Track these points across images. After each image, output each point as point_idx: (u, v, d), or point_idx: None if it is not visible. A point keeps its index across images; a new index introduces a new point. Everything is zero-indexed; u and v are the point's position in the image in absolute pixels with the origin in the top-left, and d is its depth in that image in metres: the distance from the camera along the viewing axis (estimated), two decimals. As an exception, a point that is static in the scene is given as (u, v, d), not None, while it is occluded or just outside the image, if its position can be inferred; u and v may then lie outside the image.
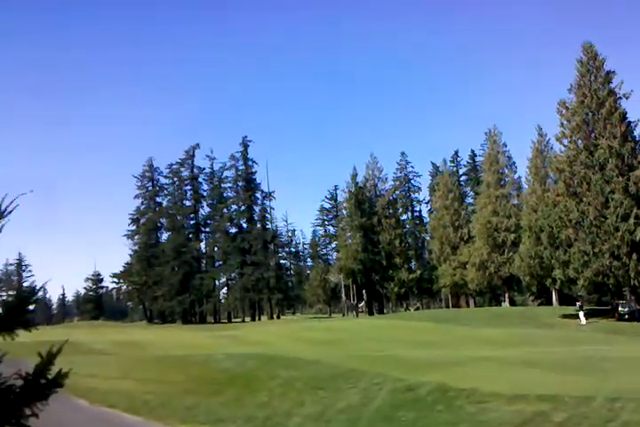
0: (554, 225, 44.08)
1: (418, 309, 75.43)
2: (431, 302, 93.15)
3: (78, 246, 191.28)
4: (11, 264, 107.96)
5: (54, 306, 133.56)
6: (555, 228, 43.95)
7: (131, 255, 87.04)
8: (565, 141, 45.19)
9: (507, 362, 16.32)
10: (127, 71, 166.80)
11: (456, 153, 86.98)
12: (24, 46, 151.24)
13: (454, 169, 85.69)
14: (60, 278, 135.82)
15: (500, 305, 65.26)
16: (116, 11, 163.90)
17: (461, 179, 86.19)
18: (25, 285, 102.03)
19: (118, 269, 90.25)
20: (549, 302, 58.52)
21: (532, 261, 48.14)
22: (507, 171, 65.77)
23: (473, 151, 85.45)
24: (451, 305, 76.20)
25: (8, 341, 3.20)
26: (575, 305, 44.23)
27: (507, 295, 64.53)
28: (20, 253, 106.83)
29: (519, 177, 65.82)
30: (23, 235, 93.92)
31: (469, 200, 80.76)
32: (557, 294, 56.04)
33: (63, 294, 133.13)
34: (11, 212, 3.32)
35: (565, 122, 44.70)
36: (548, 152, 57.77)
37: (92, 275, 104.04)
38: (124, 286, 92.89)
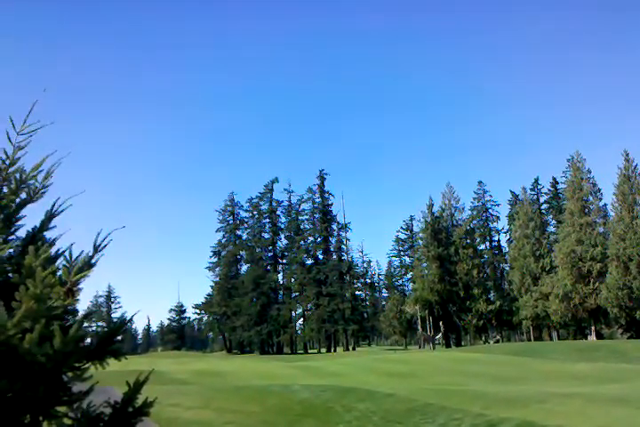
0: (643, 254, 42.16)
1: (497, 341, 72.78)
2: (512, 335, 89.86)
3: (164, 278, 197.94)
4: (100, 296, 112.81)
5: (140, 336, 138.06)
6: (644, 257, 42.02)
7: (212, 287, 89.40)
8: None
9: (593, 399, 15.54)
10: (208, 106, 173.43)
11: (536, 181, 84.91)
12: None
13: (535, 197, 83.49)
14: (146, 309, 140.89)
15: (586, 338, 62.13)
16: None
17: (542, 207, 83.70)
18: (114, 316, 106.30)
19: (200, 300, 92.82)
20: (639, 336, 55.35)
21: (621, 292, 46.01)
22: (591, 198, 63.33)
23: (554, 179, 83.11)
24: (532, 338, 73.30)
25: (98, 370, 3.45)
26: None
27: (593, 328, 61.43)
28: (109, 286, 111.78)
29: (605, 204, 63.29)
30: (113, 267, 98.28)
31: (551, 229, 78.24)
32: (649, 327, 52.94)
33: (148, 325, 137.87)
34: (105, 246, 3.62)
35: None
36: (636, 178, 55.52)
37: (176, 306, 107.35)
38: (205, 317, 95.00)
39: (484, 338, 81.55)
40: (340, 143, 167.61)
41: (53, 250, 3.52)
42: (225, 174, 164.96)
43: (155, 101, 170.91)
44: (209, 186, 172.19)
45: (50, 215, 3.78)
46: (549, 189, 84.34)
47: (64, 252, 3.54)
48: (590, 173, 64.20)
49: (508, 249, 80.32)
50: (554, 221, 79.00)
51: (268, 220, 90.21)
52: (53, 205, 3.77)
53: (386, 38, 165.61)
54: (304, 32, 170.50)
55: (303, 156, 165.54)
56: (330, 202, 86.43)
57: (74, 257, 3.49)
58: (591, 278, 58.31)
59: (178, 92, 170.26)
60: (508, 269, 79.35)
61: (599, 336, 61.68)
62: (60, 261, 3.49)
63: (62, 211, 3.80)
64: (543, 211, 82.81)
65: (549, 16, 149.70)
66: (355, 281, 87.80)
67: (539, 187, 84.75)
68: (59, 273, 3.31)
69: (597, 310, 57.63)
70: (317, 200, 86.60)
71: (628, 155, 56.65)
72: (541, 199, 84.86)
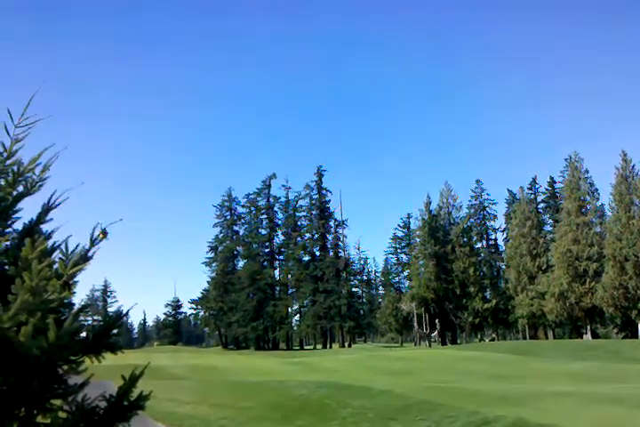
0: None
1: (493, 340, 73.03)
2: (507, 333, 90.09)
3: (160, 273, 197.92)
4: (96, 290, 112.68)
5: (135, 330, 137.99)
6: (640, 257, 42.14)
7: (208, 282, 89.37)
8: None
9: (588, 398, 15.58)
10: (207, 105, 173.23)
11: (534, 180, 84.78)
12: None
13: (532, 196, 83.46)
14: (142, 304, 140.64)
15: (582, 337, 62.32)
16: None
17: (539, 206, 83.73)
18: (110, 310, 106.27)
19: (197, 295, 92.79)
20: (635, 336, 55.41)
21: (616, 292, 46.13)
22: (588, 198, 63.44)
23: (552, 178, 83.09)
24: (528, 337, 73.46)
25: (94, 363, 3.44)
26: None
27: (588, 327, 61.58)
28: (105, 280, 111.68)
29: (602, 204, 63.42)
30: (109, 261, 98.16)
31: (548, 228, 78.33)
32: (644, 326, 53.08)
33: (144, 319, 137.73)
34: (102, 240, 3.60)
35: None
36: (634, 178, 55.60)
37: (172, 301, 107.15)
38: (202, 312, 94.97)
39: (479, 336, 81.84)
40: (339, 140, 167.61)
41: (50, 243, 3.50)
42: (223, 170, 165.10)
43: (153, 96, 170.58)
44: (207, 181, 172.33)
45: (47, 208, 3.75)
46: (547, 189, 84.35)
47: (60, 245, 3.52)
48: (588, 172, 64.42)
49: (504, 248, 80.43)
50: (551, 221, 79.11)
51: (265, 216, 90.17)
52: (50, 198, 3.74)
53: (386, 33, 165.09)
54: (302, 27, 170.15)
55: (301, 152, 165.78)
56: (327, 199, 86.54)
57: (70, 250, 3.47)
58: (587, 278, 58.43)
59: (176, 87, 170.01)
60: (504, 267, 79.45)
61: (594, 335, 61.87)
62: (57, 254, 3.47)
63: (59, 204, 3.77)
64: (540, 210, 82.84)
65: (548, 13, 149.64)
66: (351, 278, 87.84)
67: (536, 186, 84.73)
68: (55, 266, 3.30)
69: (593, 309, 57.77)
70: (315, 197, 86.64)
71: (625, 155, 56.74)
72: (539, 198, 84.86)
